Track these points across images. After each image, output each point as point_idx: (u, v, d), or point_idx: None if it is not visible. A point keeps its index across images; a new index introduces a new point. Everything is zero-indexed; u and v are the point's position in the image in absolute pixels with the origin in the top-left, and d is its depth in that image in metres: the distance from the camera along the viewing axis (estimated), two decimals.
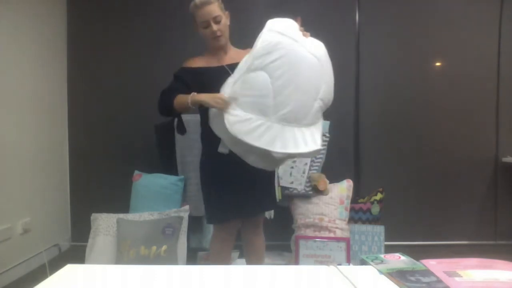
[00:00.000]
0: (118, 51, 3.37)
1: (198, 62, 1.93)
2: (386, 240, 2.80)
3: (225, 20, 1.89)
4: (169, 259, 2.50)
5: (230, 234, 2.03)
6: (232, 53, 1.97)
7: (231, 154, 1.75)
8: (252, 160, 1.73)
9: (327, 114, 3.07)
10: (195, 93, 1.76)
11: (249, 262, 2.14)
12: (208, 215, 2.02)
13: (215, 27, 1.84)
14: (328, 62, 1.82)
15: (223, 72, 1.83)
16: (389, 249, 2.54)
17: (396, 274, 0.97)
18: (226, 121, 1.64)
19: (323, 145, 2.98)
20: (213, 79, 1.80)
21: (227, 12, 1.91)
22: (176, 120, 2.06)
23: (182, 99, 1.78)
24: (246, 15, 2.96)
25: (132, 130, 3.33)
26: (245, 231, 2.13)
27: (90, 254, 2.63)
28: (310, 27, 3.30)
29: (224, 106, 1.65)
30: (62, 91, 3.36)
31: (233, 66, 1.80)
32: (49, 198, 3.14)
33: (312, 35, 1.75)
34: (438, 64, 3.44)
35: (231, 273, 1.06)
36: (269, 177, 2.03)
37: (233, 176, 1.88)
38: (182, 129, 2.02)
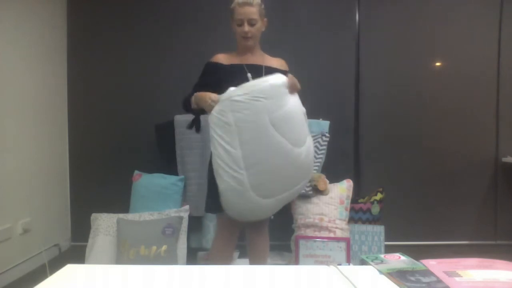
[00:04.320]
0: (118, 51, 3.37)
1: (223, 58, 2.01)
2: (386, 240, 2.80)
3: (260, 26, 1.97)
4: (169, 259, 2.50)
5: (233, 234, 2.03)
6: (257, 56, 2.04)
7: None
8: None
9: (327, 114, 3.10)
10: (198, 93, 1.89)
11: (252, 262, 2.14)
12: (209, 205, 2.02)
13: (247, 28, 1.92)
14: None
15: (240, 70, 1.93)
16: (389, 249, 2.54)
17: (396, 274, 0.97)
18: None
19: (323, 145, 2.98)
20: (229, 75, 1.91)
21: (265, 19, 1.99)
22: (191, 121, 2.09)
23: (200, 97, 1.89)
24: None
25: (132, 130, 3.33)
26: (249, 231, 2.13)
27: (90, 254, 2.63)
28: (311, 27, 3.32)
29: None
30: (62, 91, 3.36)
31: (252, 66, 1.93)
32: (49, 198, 3.14)
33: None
34: (438, 64, 3.44)
35: (231, 273, 1.06)
36: None
37: None
38: (197, 127, 2.06)
